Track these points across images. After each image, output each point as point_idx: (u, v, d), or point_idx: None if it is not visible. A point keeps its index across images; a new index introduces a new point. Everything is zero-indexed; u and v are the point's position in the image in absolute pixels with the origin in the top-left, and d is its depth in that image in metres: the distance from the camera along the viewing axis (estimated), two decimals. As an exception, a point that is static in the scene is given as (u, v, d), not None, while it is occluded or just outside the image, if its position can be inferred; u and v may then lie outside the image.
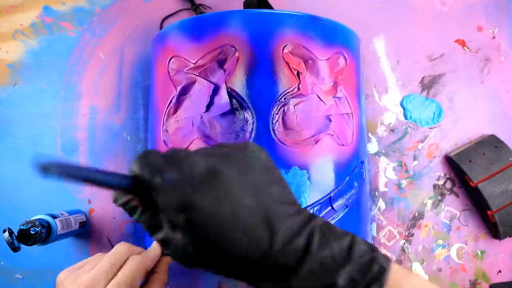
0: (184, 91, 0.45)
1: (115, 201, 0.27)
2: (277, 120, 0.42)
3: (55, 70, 0.60)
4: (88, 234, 0.57)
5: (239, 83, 0.42)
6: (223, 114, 0.42)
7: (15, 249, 0.44)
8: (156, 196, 0.24)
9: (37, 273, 0.57)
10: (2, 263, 0.57)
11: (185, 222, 0.24)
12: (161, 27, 0.60)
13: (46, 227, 0.47)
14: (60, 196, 0.57)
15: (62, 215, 0.51)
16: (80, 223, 0.54)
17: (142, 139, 0.59)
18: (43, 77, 0.60)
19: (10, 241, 0.43)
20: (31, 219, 0.47)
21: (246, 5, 0.55)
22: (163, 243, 0.26)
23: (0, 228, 0.47)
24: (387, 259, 0.27)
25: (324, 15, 0.62)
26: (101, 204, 0.58)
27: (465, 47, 0.63)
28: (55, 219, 0.49)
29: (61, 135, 0.59)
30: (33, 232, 0.45)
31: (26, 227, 0.45)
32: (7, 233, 0.44)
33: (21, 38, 0.60)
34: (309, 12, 0.62)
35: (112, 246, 0.57)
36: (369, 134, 0.61)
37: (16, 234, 0.44)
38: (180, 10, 0.61)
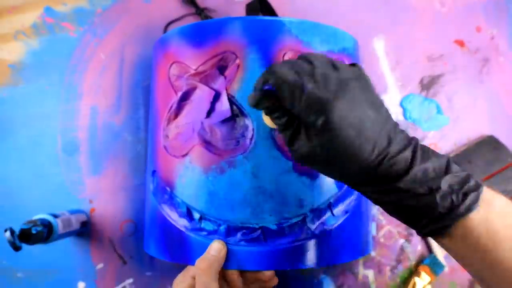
0: (185, 97, 0.45)
1: (256, 104, 0.33)
2: None
3: (56, 71, 0.60)
4: (89, 234, 0.57)
5: (239, 90, 0.42)
6: (224, 121, 0.42)
7: (17, 248, 0.44)
8: (300, 99, 0.30)
9: (38, 273, 0.57)
10: (3, 262, 0.57)
11: (323, 123, 0.29)
12: (165, 32, 0.60)
13: (47, 226, 0.47)
14: (61, 196, 0.58)
15: (63, 214, 0.52)
16: (81, 222, 0.54)
17: (142, 139, 0.59)
18: (44, 77, 0.60)
19: (12, 240, 0.44)
20: (33, 218, 0.48)
21: (248, 9, 0.55)
22: (290, 140, 0.33)
23: (1, 227, 0.47)
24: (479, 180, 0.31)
25: (324, 15, 0.63)
26: (102, 204, 0.58)
27: (464, 48, 0.63)
28: (56, 219, 0.49)
29: (62, 135, 0.59)
30: (34, 232, 0.45)
31: (28, 226, 0.45)
32: (8, 232, 0.44)
33: (22, 38, 0.61)
34: (310, 12, 0.63)
35: (113, 246, 0.57)
36: (369, 134, 0.61)
37: (17, 234, 0.45)
38: (185, 15, 0.61)
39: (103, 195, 0.58)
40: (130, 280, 0.57)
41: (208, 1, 0.62)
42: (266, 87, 0.33)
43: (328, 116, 0.29)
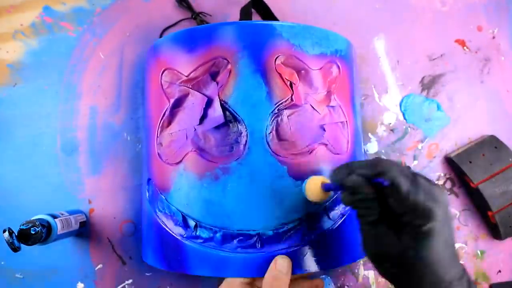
0: (177, 104, 0.45)
1: (353, 190, 0.33)
2: (270, 132, 0.42)
3: (55, 70, 0.60)
4: (88, 234, 0.57)
5: (232, 95, 0.42)
6: (217, 127, 0.42)
7: (15, 249, 0.44)
8: (415, 199, 0.31)
9: (38, 273, 0.57)
10: (2, 263, 0.57)
11: (429, 229, 0.31)
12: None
13: (46, 227, 0.47)
14: (60, 196, 0.57)
15: (62, 215, 0.51)
16: (80, 223, 0.54)
17: (142, 139, 0.59)
18: (43, 77, 0.60)
19: (10, 241, 0.43)
20: (31, 219, 0.47)
21: (242, 13, 0.55)
22: (377, 236, 0.34)
23: (0, 228, 0.47)
24: None
25: (324, 15, 0.62)
26: (101, 204, 0.58)
27: (465, 47, 0.63)
28: (55, 219, 0.49)
29: (61, 135, 0.59)
30: (33, 232, 0.45)
31: (26, 227, 0.45)
32: (7, 233, 0.44)
33: (21, 38, 0.60)
34: (309, 13, 0.62)
35: (112, 246, 0.57)
36: (369, 134, 0.61)
37: (16, 234, 0.44)
38: (181, 20, 0.61)
39: (102, 195, 0.58)
40: (130, 281, 0.57)
41: (204, 5, 0.61)
42: (377, 180, 0.32)
43: (434, 223, 0.31)
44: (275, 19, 0.58)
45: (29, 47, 0.60)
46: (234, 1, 0.61)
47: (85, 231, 0.57)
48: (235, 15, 0.61)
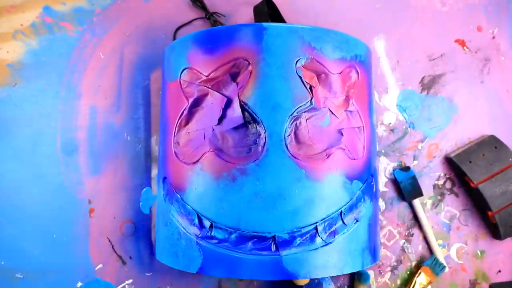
0: (196, 103, 0.45)
1: None
2: (289, 134, 0.42)
3: (55, 70, 0.60)
4: (88, 234, 0.57)
5: (251, 97, 0.42)
6: (236, 128, 0.42)
7: None
8: None
9: (38, 273, 0.57)
10: (2, 263, 0.57)
11: None
12: (174, 37, 0.60)
13: None
14: (60, 196, 0.57)
15: None
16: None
17: (142, 139, 0.59)
18: (43, 77, 0.60)
19: None
20: None
21: (256, 11, 0.55)
22: None
23: (0, 227, 0.47)
24: None
25: (324, 15, 0.62)
26: (101, 204, 0.58)
27: (465, 47, 0.63)
28: None
29: (61, 135, 0.59)
30: None
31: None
32: None
33: (21, 38, 0.60)
34: (310, 13, 0.62)
35: (112, 246, 0.57)
36: (369, 134, 0.61)
37: None
38: (195, 19, 0.61)
39: (102, 195, 0.58)
40: (130, 281, 0.57)
41: (217, 4, 0.61)
42: None
43: None
44: (282, 19, 0.58)
45: (29, 47, 0.60)
46: (246, 2, 0.61)
47: (85, 231, 0.57)
48: (248, 16, 0.61)
